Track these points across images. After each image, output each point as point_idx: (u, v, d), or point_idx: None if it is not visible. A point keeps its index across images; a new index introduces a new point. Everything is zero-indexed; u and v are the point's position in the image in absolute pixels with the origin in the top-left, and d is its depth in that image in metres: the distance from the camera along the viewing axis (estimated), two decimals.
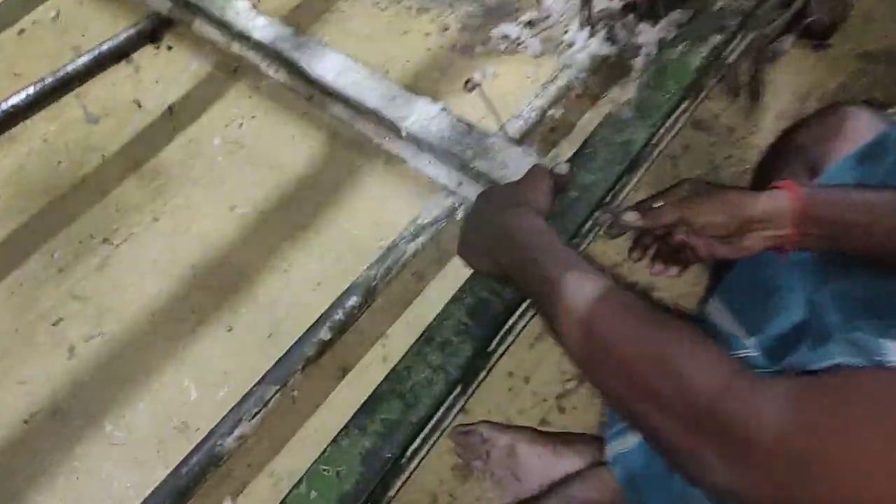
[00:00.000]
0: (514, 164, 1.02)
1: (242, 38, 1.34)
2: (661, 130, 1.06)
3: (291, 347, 0.93)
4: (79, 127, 1.52)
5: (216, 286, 1.30)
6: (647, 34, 1.24)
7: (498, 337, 0.87)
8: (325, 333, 0.94)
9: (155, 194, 1.42)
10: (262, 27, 1.30)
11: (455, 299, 0.85)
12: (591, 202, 0.95)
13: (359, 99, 1.18)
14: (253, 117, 1.52)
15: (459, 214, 1.19)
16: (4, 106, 1.53)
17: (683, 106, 1.11)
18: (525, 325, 0.93)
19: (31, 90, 1.57)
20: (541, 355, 1.24)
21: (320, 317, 0.95)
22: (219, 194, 1.41)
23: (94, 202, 1.41)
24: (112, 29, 1.62)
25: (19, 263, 1.34)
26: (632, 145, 1.00)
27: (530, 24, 1.56)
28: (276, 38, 1.28)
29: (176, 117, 1.52)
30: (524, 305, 0.89)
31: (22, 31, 1.72)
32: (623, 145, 1.00)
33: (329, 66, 1.23)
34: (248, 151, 1.47)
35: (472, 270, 0.86)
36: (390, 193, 1.39)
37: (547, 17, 1.55)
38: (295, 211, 1.39)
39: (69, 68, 1.60)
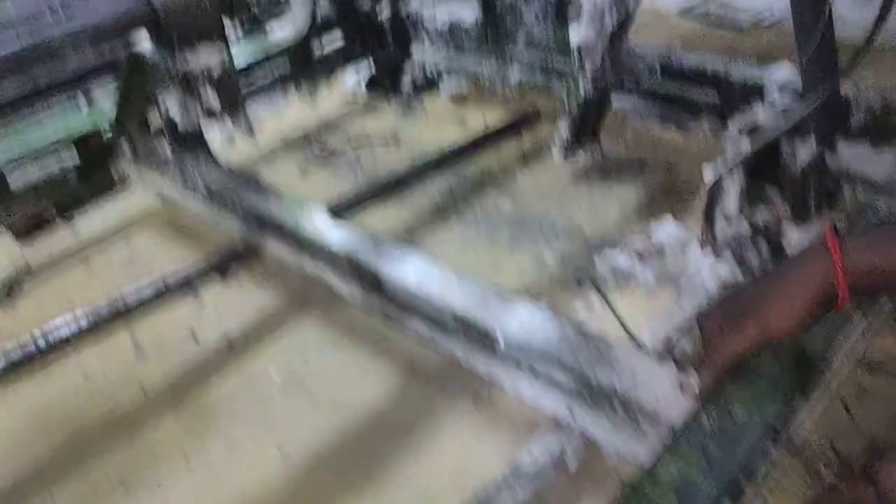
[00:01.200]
0: (648, 379, 0.90)
1: (317, 251, 1.26)
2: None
3: None
4: (124, 359, 1.40)
5: None
6: (795, 237, 1.09)
7: None
8: None
9: (192, 436, 1.23)
10: (340, 238, 1.23)
11: None
12: (760, 431, 0.78)
13: (444, 305, 1.03)
14: (320, 351, 1.37)
15: (571, 461, 0.98)
16: (50, 336, 1.45)
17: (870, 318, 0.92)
18: None
19: (82, 320, 1.50)
20: None
21: None
22: (267, 436, 1.22)
23: (120, 442, 1.23)
24: (181, 262, 1.58)
25: None
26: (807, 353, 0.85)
27: (640, 255, 1.43)
28: (353, 247, 1.20)
29: (234, 353, 1.39)
30: None
31: (86, 259, 1.70)
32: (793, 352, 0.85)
33: (410, 271, 1.11)
34: (309, 388, 1.31)
35: None
36: (478, 434, 1.21)
37: (659, 249, 1.43)
38: (358, 458, 1.19)
39: (127, 299, 1.54)
